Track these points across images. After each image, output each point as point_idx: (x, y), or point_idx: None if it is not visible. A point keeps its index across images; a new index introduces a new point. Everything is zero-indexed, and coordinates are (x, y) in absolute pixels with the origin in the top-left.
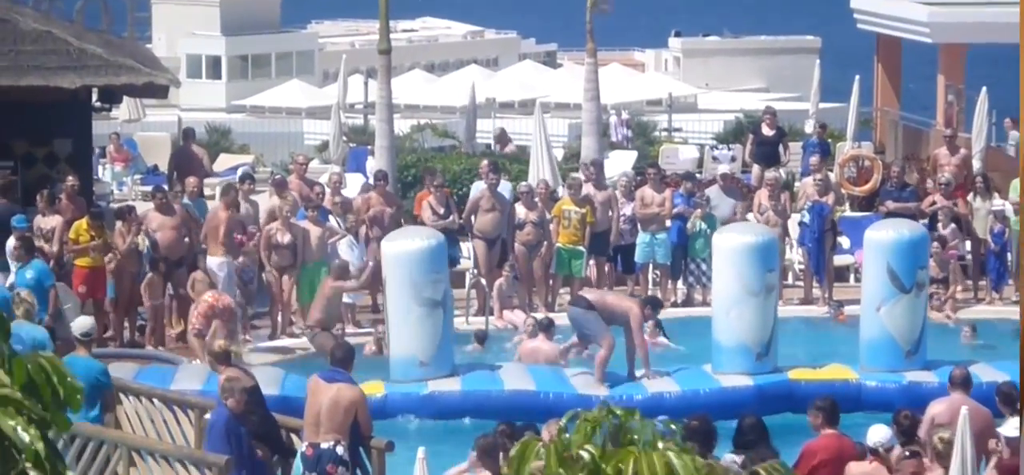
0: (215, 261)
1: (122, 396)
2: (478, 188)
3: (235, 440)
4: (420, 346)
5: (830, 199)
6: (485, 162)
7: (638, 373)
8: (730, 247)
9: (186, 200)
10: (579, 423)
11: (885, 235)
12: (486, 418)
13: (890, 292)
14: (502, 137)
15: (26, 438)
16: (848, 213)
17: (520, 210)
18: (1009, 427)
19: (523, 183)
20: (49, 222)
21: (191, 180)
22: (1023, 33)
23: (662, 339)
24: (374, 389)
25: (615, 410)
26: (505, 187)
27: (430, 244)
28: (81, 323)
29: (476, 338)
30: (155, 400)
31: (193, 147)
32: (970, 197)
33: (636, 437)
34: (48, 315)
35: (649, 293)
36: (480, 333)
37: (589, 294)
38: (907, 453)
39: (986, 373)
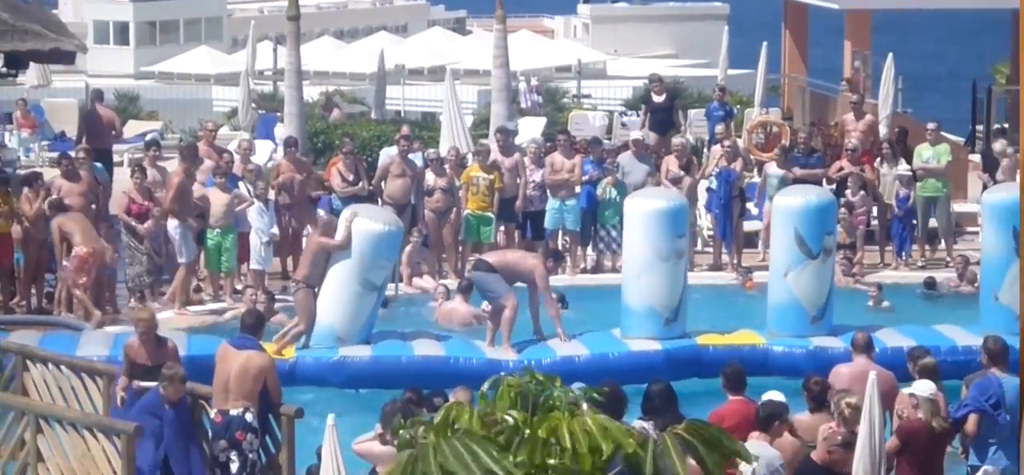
0: (172, 224)
1: (29, 363)
2: (387, 154)
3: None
4: (342, 323)
5: (738, 165)
6: (404, 128)
7: (549, 338)
8: (640, 212)
9: (97, 165)
10: (502, 388)
11: (792, 201)
12: (396, 386)
13: (797, 258)
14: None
15: None
16: (756, 179)
17: (429, 176)
18: (919, 387)
19: (432, 150)
20: None
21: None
22: (1023, 26)
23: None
24: (286, 355)
25: (537, 375)
26: (414, 157)
27: (389, 229)
28: None
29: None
30: (62, 367)
31: (102, 110)
32: (877, 163)
33: (556, 403)
34: None
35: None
36: (384, 299)
37: (490, 256)
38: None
39: (890, 337)
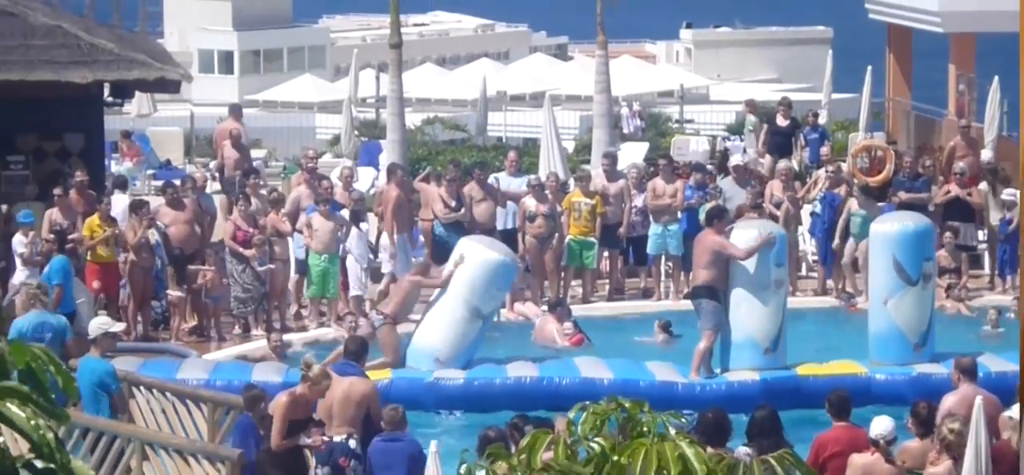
0: (384, 239)
1: (134, 390)
2: (494, 180)
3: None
4: (444, 346)
5: (842, 189)
6: (512, 153)
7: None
8: (739, 242)
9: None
10: (587, 415)
11: (890, 228)
12: (490, 409)
13: (897, 285)
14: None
15: (34, 430)
16: None
17: (530, 203)
18: (1015, 410)
19: (532, 176)
20: (67, 218)
21: (198, 174)
22: (1023, 30)
23: (577, 336)
24: (380, 375)
25: (623, 402)
26: (516, 181)
27: (504, 261)
28: (95, 324)
29: None
30: (167, 393)
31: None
32: (982, 186)
33: (647, 429)
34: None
35: (645, 285)
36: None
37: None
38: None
39: (994, 363)
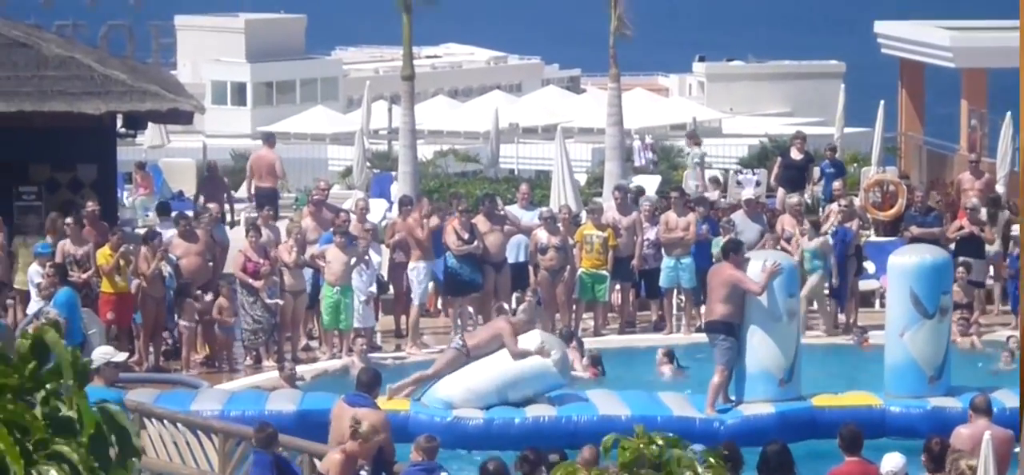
0: (409, 265)
1: (146, 421)
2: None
3: None
4: (462, 404)
5: (854, 224)
6: (524, 186)
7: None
8: (750, 274)
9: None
10: (619, 450)
11: (908, 260)
12: (509, 447)
13: (913, 317)
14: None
15: None
16: (873, 238)
17: (542, 235)
18: None
19: (544, 208)
20: (79, 248)
21: (213, 206)
22: (1022, 50)
23: (593, 370)
24: (398, 407)
25: (655, 437)
26: (528, 213)
27: (556, 377)
28: (98, 354)
29: None
30: (179, 424)
31: (266, 152)
32: (982, 214)
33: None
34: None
35: (657, 319)
36: None
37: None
38: None
39: (1009, 399)
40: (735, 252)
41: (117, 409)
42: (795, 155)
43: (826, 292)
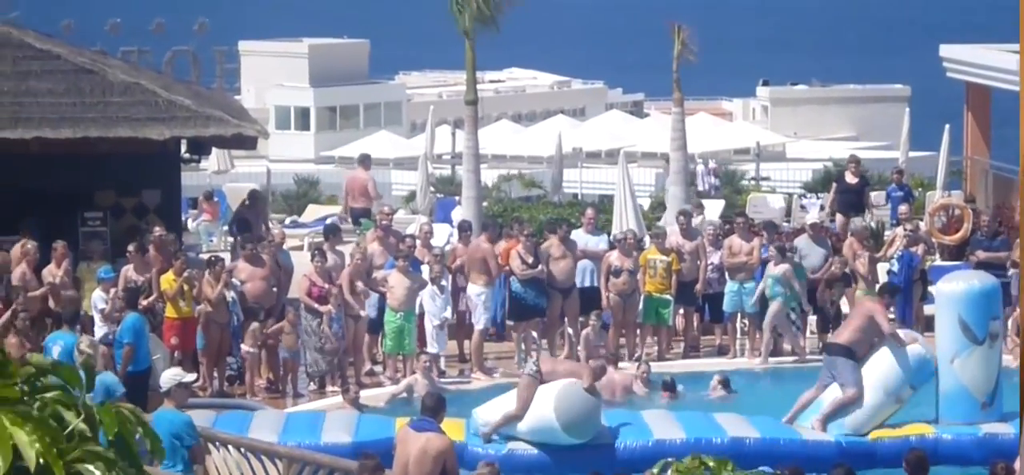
0: (474, 290)
1: (210, 446)
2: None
3: None
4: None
5: (920, 249)
6: (589, 210)
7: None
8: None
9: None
10: (671, 473)
11: (955, 287)
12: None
13: (963, 344)
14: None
15: None
16: (938, 262)
17: (615, 258)
18: None
19: (618, 232)
20: (141, 275)
21: (277, 231)
22: (1023, 68)
23: (666, 393)
24: (455, 434)
25: (707, 460)
26: (594, 238)
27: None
28: (167, 376)
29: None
30: (243, 450)
31: (361, 173)
32: None
33: None
34: (119, 371)
35: (721, 342)
36: None
37: (837, 337)
38: None
39: None
40: (890, 295)
41: (133, 409)
42: (850, 179)
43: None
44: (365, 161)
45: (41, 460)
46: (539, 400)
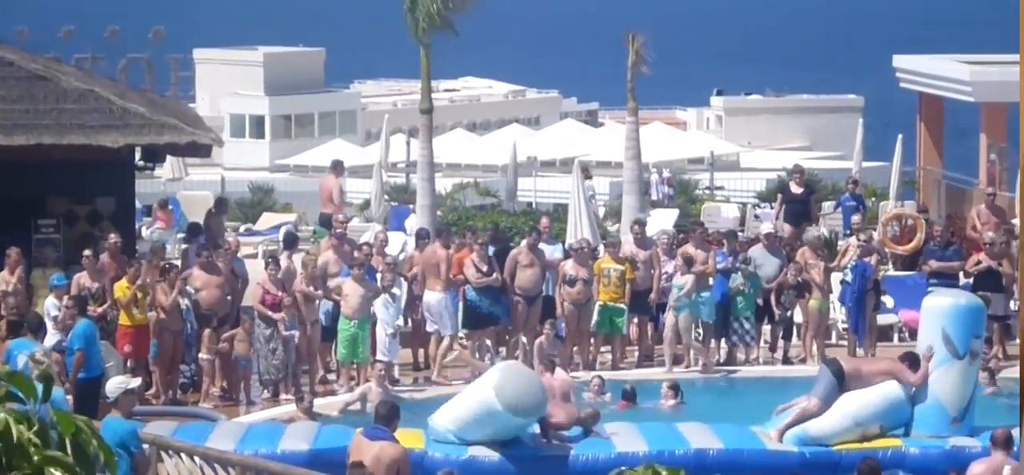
0: (432, 296)
1: (163, 454)
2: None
3: None
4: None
5: (873, 259)
6: (544, 219)
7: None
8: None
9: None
10: None
11: (942, 301)
12: None
13: (943, 356)
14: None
15: None
16: (891, 272)
17: (570, 267)
18: None
19: (574, 241)
20: (95, 282)
21: (232, 238)
22: (1022, 79)
23: (623, 402)
24: (414, 442)
25: (660, 470)
26: (549, 247)
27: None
28: (113, 384)
29: None
30: (196, 458)
31: (330, 179)
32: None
33: None
34: (69, 378)
35: (675, 352)
36: None
37: (845, 363)
38: None
39: None
40: (912, 364)
41: (87, 421)
42: (795, 189)
43: (844, 326)
44: (337, 167)
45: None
46: (480, 384)
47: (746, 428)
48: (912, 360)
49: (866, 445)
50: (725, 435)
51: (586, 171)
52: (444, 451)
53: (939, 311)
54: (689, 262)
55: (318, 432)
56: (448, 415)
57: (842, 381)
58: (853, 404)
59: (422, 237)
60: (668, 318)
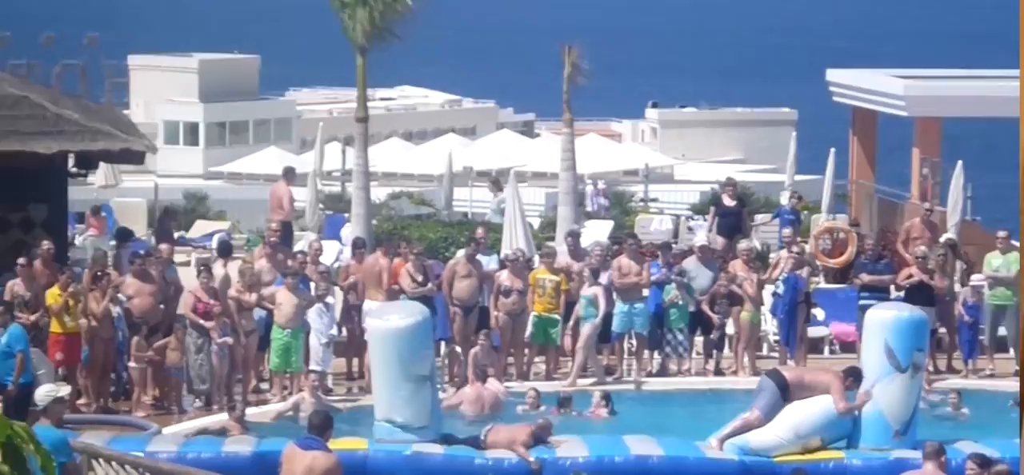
0: (373, 305)
1: (94, 462)
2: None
3: None
4: (409, 417)
5: (805, 272)
6: (480, 229)
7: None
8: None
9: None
10: None
11: (886, 314)
12: None
13: (886, 370)
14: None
15: None
16: (823, 285)
17: (505, 278)
18: None
19: (509, 251)
20: (28, 289)
21: (164, 247)
22: (1022, 93)
23: (603, 411)
24: (357, 446)
25: None
26: (484, 258)
27: (417, 320)
28: (42, 392)
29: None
30: (127, 466)
31: (281, 186)
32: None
33: None
34: (12, 382)
35: (608, 362)
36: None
37: (787, 372)
38: None
39: (969, 448)
40: (855, 379)
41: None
42: (727, 202)
43: (776, 338)
44: (288, 174)
45: None
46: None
47: (686, 439)
48: (855, 375)
49: (808, 457)
50: (666, 443)
51: (496, 183)
52: (387, 450)
53: (882, 324)
54: (595, 273)
55: (260, 441)
56: (393, 412)
57: (785, 392)
58: (794, 416)
59: (359, 246)
60: (583, 328)
